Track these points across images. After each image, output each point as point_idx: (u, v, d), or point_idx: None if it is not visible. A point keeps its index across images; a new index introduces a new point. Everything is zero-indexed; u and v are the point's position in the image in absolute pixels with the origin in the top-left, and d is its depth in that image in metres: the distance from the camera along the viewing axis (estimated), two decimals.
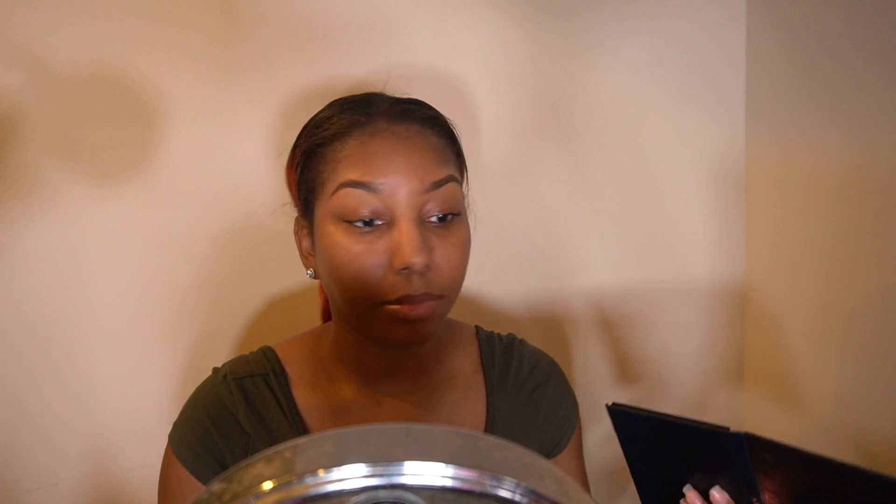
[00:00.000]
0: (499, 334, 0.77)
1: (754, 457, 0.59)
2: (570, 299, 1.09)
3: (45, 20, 0.88)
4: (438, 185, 0.60)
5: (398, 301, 0.58)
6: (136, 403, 0.95)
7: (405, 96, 0.67)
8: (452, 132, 0.66)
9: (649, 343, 1.12)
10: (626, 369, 1.12)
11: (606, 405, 0.64)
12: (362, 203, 0.58)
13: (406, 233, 0.57)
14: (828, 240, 0.96)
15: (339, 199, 0.59)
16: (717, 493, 0.63)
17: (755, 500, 0.61)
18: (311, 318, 0.98)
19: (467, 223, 0.64)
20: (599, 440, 1.11)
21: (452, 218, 0.61)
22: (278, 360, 0.69)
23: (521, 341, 0.78)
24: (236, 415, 0.65)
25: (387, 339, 0.61)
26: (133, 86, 0.91)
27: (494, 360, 0.74)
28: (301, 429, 0.65)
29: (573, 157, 1.06)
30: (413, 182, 0.58)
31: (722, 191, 1.11)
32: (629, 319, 1.11)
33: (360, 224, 0.58)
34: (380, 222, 0.59)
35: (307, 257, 0.67)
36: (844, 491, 0.55)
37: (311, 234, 0.64)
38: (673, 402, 1.13)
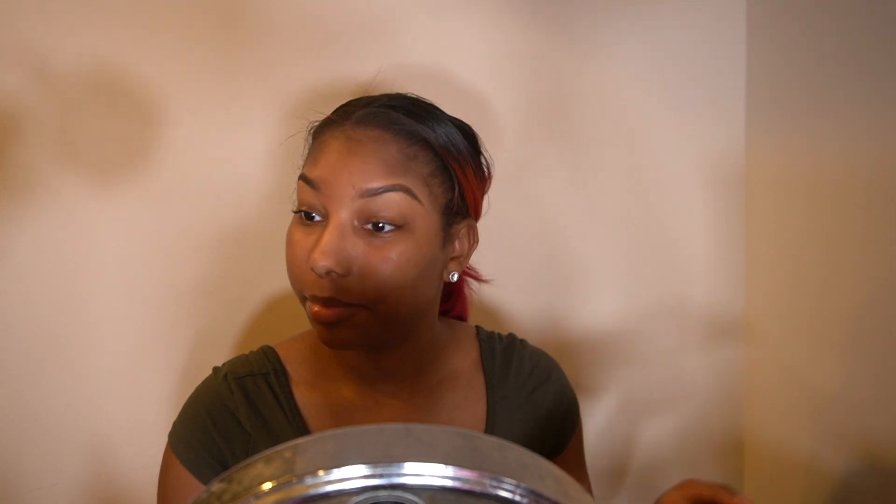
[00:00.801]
0: (499, 334, 0.77)
1: None
2: (570, 298, 1.09)
3: (46, 20, 0.88)
4: (375, 193, 0.58)
5: (311, 298, 0.60)
6: (136, 403, 0.94)
7: (406, 98, 0.66)
8: (430, 140, 0.62)
9: (649, 343, 1.12)
10: (624, 369, 1.12)
11: None
12: (305, 197, 0.61)
13: (324, 234, 0.58)
14: (828, 239, 0.95)
15: (297, 189, 0.62)
16: None
17: None
18: None
19: (417, 237, 0.60)
20: (599, 440, 1.11)
21: (391, 229, 0.59)
22: (279, 360, 0.69)
23: (522, 341, 0.78)
24: (237, 414, 0.65)
25: (320, 338, 0.63)
26: (133, 86, 0.91)
27: (495, 360, 0.74)
28: (302, 428, 0.65)
29: (573, 157, 1.06)
30: (346, 186, 0.58)
31: (722, 191, 1.11)
32: (628, 318, 1.11)
33: (302, 215, 0.61)
34: (318, 218, 0.60)
35: None
36: None
37: None
38: (673, 407, 1.13)
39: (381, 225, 0.59)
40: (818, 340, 0.98)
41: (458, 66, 1.00)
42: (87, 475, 0.93)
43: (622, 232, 1.09)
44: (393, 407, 0.68)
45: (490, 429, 0.70)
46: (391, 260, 0.59)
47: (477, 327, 0.77)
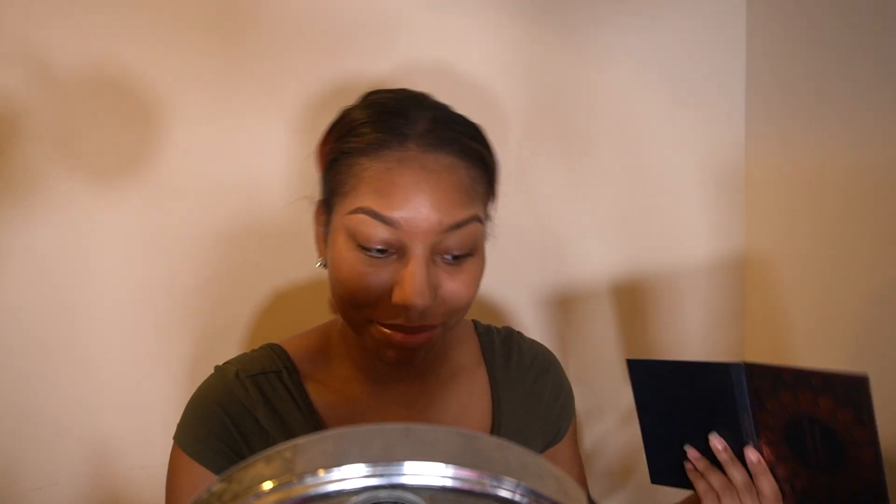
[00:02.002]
0: (496, 327, 0.78)
1: (752, 387, 0.66)
2: (569, 297, 1.09)
3: (46, 19, 0.88)
4: (457, 226, 0.58)
5: (393, 327, 0.59)
6: (136, 403, 0.94)
7: (447, 111, 0.63)
8: (486, 160, 0.62)
9: (649, 342, 1.12)
10: (624, 368, 1.12)
11: (627, 360, 0.71)
12: (376, 233, 0.57)
13: (412, 273, 0.56)
14: (828, 239, 0.95)
15: (354, 221, 0.57)
16: (715, 440, 0.69)
17: (751, 443, 0.68)
18: (314, 316, 0.98)
19: (483, 256, 0.62)
20: (599, 440, 1.11)
21: (466, 256, 0.60)
22: (289, 357, 0.68)
23: (519, 333, 0.79)
24: (254, 412, 0.64)
25: (377, 355, 0.62)
26: (133, 85, 0.91)
27: (495, 353, 0.75)
28: (318, 425, 0.65)
29: (573, 156, 1.06)
30: (430, 222, 0.56)
31: (722, 191, 1.11)
32: (628, 319, 1.11)
33: (370, 251, 0.58)
34: (391, 251, 0.58)
35: (320, 244, 0.66)
36: (825, 403, 0.62)
37: (325, 228, 0.64)
38: None
39: (457, 255, 0.59)
40: (818, 340, 0.98)
41: (461, 65, 1.00)
42: (87, 475, 0.93)
43: (622, 231, 1.09)
44: (404, 405, 0.68)
45: (497, 421, 0.71)
46: (467, 284, 0.60)
47: (474, 321, 0.78)
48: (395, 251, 0.58)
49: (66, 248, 0.91)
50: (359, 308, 0.59)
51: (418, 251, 0.57)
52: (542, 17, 1.03)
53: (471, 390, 0.72)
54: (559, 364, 0.79)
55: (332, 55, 0.96)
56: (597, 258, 1.09)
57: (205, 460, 0.63)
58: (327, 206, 0.62)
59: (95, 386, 0.93)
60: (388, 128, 0.59)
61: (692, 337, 1.13)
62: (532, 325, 1.07)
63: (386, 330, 0.59)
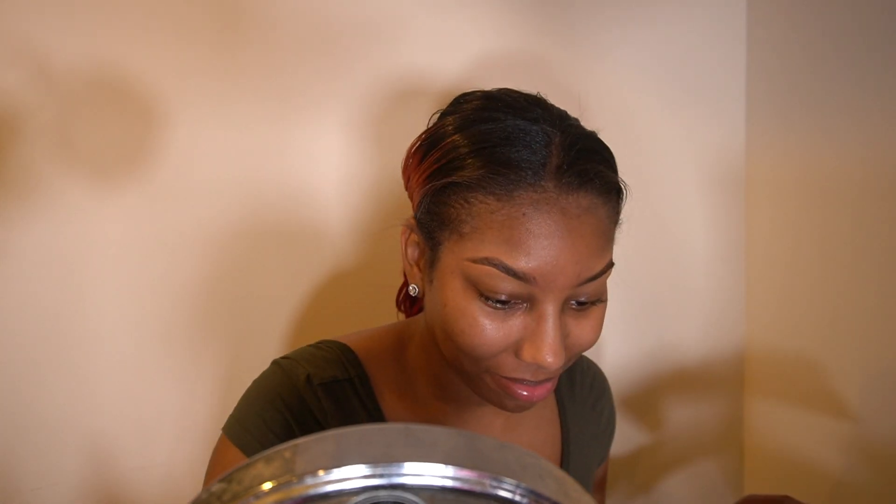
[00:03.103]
0: None
1: None
2: None
3: (46, 20, 0.88)
4: (595, 278, 0.51)
5: (518, 381, 0.53)
6: (137, 403, 0.94)
7: (577, 131, 0.54)
8: (621, 191, 0.56)
9: (648, 342, 1.12)
10: (623, 368, 1.12)
11: None
12: (504, 285, 0.50)
13: (546, 332, 0.50)
14: (828, 239, 0.95)
15: (478, 271, 0.50)
16: None
17: None
18: (318, 318, 0.98)
19: (607, 299, 0.56)
20: None
21: (596, 301, 0.54)
22: (359, 363, 0.62)
23: None
24: (325, 424, 0.58)
25: (490, 402, 0.57)
26: (134, 85, 0.91)
27: (561, 377, 0.70)
28: None
29: None
30: (568, 276, 0.50)
31: (722, 191, 1.11)
32: (628, 319, 1.11)
33: (494, 301, 0.51)
34: (518, 302, 0.51)
35: (412, 267, 0.58)
36: None
37: (429, 257, 0.56)
38: (672, 407, 1.13)
39: (585, 301, 0.53)
40: (818, 340, 0.98)
41: (458, 67, 1.00)
42: (87, 475, 0.93)
43: (622, 231, 1.09)
44: (479, 427, 0.64)
45: (566, 447, 0.68)
46: (595, 329, 0.55)
47: None
48: (523, 302, 0.51)
49: (65, 248, 0.91)
50: (478, 361, 0.53)
51: (551, 306, 0.50)
52: (541, 16, 1.03)
53: (541, 414, 0.69)
54: (609, 386, 0.77)
55: (332, 55, 0.96)
56: None
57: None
58: (429, 235, 0.55)
59: (95, 386, 0.93)
60: (515, 160, 0.50)
61: (692, 337, 1.13)
62: None
63: (508, 382, 0.53)
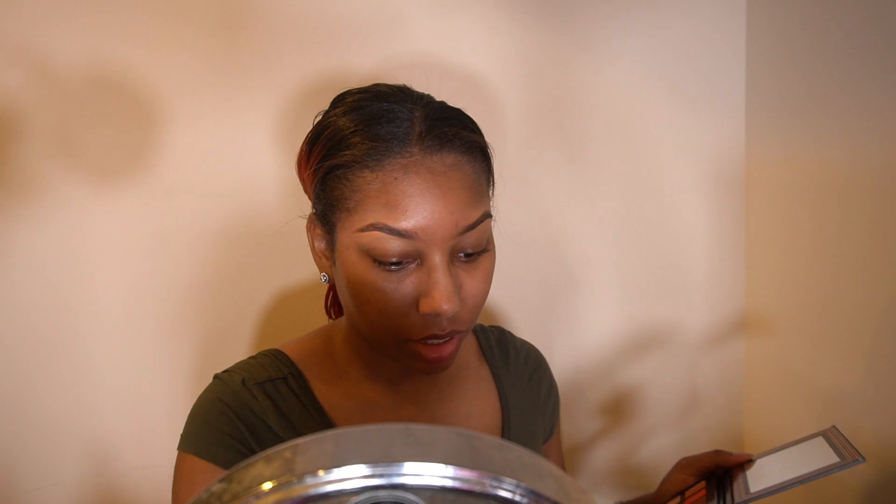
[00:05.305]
0: (487, 326, 0.79)
1: None
2: (570, 296, 1.09)
3: (46, 20, 0.88)
4: (473, 227, 0.57)
5: (425, 341, 0.58)
6: (136, 403, 0.94)
7: (435, 104, 0.61)
8: (485, 149, 0.61)
9: (649, 342, 1.12)
10: (624, 368, 1.12)
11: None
12: (392, 247, 0.55)
13: (437, 281, 0.55)
14: (828, 239, 0.95)
15: (368, 238, 0.56)
16: None
17: None
18: (315, 316, 0.98)
19: (493, 247, 0.62)
20: (599, 440, 1.11)
21: (482, 252, 0.59)
22: (292, 363, 0.66)
23: (509, 332, 0.80)
24: (266, 420, 0.62)
25: (409, 368, 0.62)
26: (133, 85, 0.91)
27: (493, 351, 0.76)
28: (331, 427, 0.64)
29: (573, 156, 1.06)
30: (446, 227, 0.55)
31: (722, 191, 1.11)
32: (629, 319, 1.11)
33: (387, 265, 0.56)
34: (408, 261, 0.56)
35: (321, 258, 0.64)
36: None
37: (329, 242, 0.61)
38: (673, 406, 1.13)
39: (472, 252, 0.58)
40: (819, 340, 0.98)
41: (459, 64, 1.00)
42: (87, 475, 0.93)
43: (622, 231, 1.09)
44: (415, 403, 0.68)
45: (506, 416, 0.71)
46: (485, 279, 0.60)
47: None
48: (413, 260, 0.56)
49: (65, 248, 0.91)
50: (388, 328, 0.58)
51: (438, 258, 0.56)
52: (542, 17, 1.03)
53: (478, 386, 0.72)
54: (546, 361, 0.81)
55: (332, 55, 0.96)
56: (596, 258, 1.09)
57: (225, 462, 0.60)
58: (326, 221, 0.60)
59: (95, 386, 0.93)
60: (383, 134, 0.56)
61: (692, 337, 1.13)
62: (532, 325, 1.07)
63: (419, 347, 0.58)
